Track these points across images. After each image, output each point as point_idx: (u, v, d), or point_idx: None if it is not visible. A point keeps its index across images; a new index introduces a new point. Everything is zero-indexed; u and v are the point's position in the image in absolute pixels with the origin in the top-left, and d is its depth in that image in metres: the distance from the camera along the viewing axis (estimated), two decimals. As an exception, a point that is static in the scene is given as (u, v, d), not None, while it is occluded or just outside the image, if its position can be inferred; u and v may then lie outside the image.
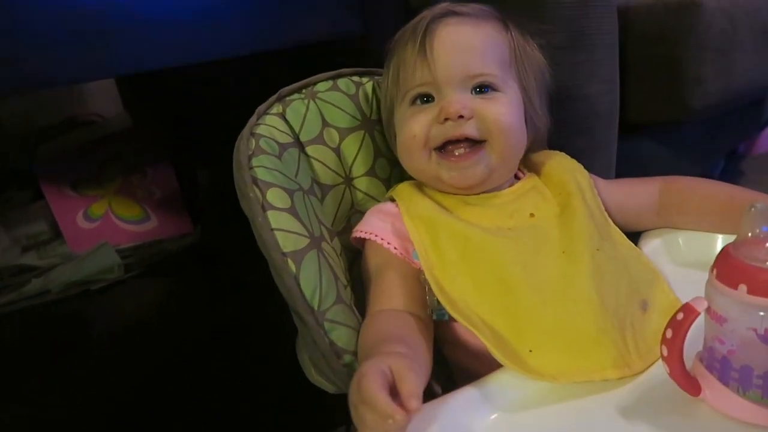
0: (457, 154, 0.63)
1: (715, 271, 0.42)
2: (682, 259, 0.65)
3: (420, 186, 0.68)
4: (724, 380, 0.43)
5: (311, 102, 0.70)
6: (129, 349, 1.26)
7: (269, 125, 0.65)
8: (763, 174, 1.77)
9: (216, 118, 1.30)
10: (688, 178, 0.70)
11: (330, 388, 0.61)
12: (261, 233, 0.57)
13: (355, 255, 0.69)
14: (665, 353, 0.43)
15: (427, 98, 0.65)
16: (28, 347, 1.35)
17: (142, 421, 1.04)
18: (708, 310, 0.43)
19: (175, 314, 1.41)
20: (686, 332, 0.42)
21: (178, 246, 1.70)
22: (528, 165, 0.72)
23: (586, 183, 0.68)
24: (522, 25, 0.70)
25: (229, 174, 0.62)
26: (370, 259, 0.64)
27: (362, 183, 0.73)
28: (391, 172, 0.75)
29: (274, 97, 0.68)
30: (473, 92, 0.64)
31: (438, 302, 0.57)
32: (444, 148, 0.64)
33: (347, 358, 0.56)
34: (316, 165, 0.69)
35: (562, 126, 0.75)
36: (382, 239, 0.63)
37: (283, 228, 0.58)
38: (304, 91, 0.71)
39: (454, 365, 0.63)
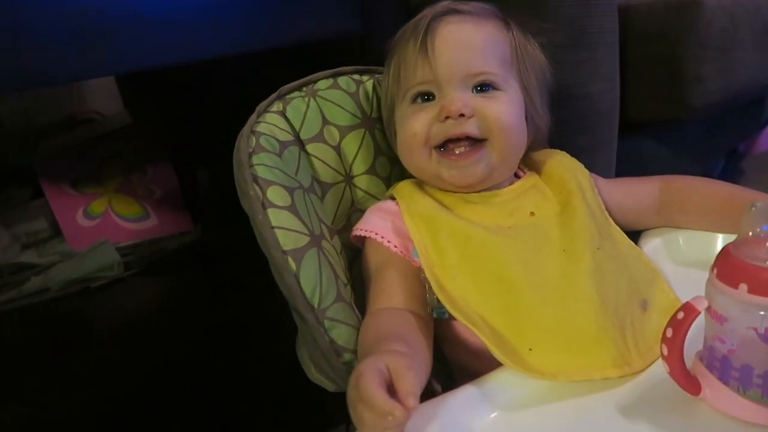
0: (457, 152, 0.63)
1: (715, 271, 0.42)
2: (683, 258, 0.65)
3: (420, 184, 0.68)
4: (724, 379, 0.43)
5: (312, 100, 0.70)
6: (129, 347, 1.26)
7: (270, 123, 0.65)
8: (763, 173, 1.77)
9: (216, 116, 1.30)
10: (688, 177, 0.70)
11: (330, 387, 0.61)
12: (261, 231, 0.57)
13: (355, 253, 0.69)
14: (665, 352, 0.43)
15: (427, 96, 0.65)
16: (27, 345, 1.35)
17: (142, 418, 1.04)
18: (708, 309, 0.42)
19: (175, 312, 1.41)
20: (686, 331, 0.42)
21: (178, 244, 1.70)
22: (528, 164, 0.72)
23: (587, 182, 0.68)
24: (523, 24, 0.70)
25: (230, 172, 0.62)
26: (370, 257, 0.64)
27: (362, 181, 0.73)
28: (392, 170, 0.75)
29: (274, 95, 0.68)
30: (474, 91, 0.63)
31: (438, 301, 0.57)
32: (444, 146, 0.64)
33: (347, 356, 0.56)
34: (317, 163, 0.69)
35: (563, 124, 0.75)
36: (382, 237, 0.63)
37: (284, 226, 0.58)
38: (304, 89, 0.71)
39: (454, 364, 0.63)
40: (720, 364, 0.43)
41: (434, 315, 0.60)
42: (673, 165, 1.24)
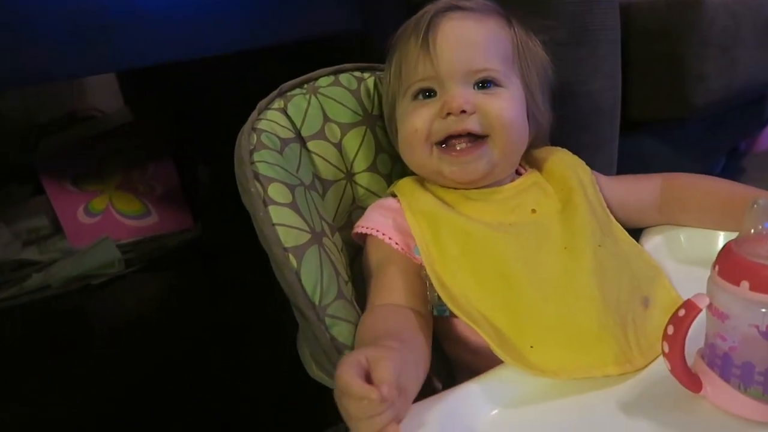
0: (458, 148, 0.63)
1: (717, 268, 0.42)
2: (684, 255, 0.65)
3: (421, 181, 0.67)
4: (725, 377, 0.43)
5: (312, 97, 0.70)
6: (129, 344, 1.26)
7: (270, 120, 0.65)
8: (764, 171, 1.77)
9: (217, 114, 1.30)
10: (690, 174, 0.70)
11: (331, 384, 0.61)
12: (262, 228, 0.57)
13: (356, 251, 0.69)
14: (666, 350, 0.43)
15: (429, 93, 0.65)
16: (28, 342, 1.35)
17: (142, 415, 1.04)
18: (710, 306, 0.42)
19: (176, 309, 1.41)
20: (688, 329, 0.42)
21: (179, 241, 1.70)
22: (530, 161, 0.72)
23: (588, 179, 0.68)
24: (525, 22, 0.69)
25: (230, 169, 0.62)
26: (371, 254, 0.64)
27: (363, 179, 0.72)
28: (393, 167, 0.75)
29: (275, 92, 0.68)
30: (476, 87, 0.63)
31: (438, 298, 0.57)
32: (446, 142, 0.64)
33: (348, 353, 0.56)
34: (318, 160, 0.69)
35: (564, 122, 0.75)
36: (383, 234, 0.63)
37: (285, 223, 0.58)
38: (305, 86, 0.71)
39: (454, 361, 0.63)
40: (721, 362, 0.43)
41: (435, 312, 0.60)
42: (674, 163, 1.24)
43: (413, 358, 0.48)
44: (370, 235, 0.64)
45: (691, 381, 0.44)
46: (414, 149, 0.65)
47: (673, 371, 0.44)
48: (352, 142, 0.72)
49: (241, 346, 1.19)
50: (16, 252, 1.64)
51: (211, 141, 1.67)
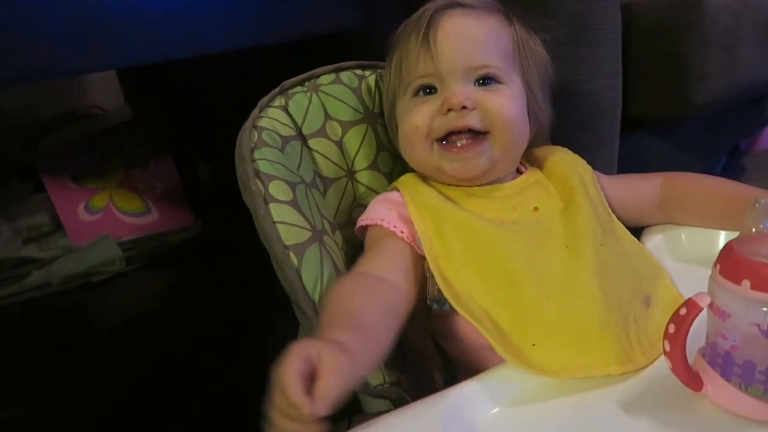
0: (459, 145, 0.63)
1: (718, 267, 0.42)
2: (685, 254, 0.65)
3: (423, 177, 0.67)
4: (726, 376, 0.43)
5: (314, 95, 0.70)
6: (130, 342, 1.26)
7: (272, 118, 0.65)
8: (765, 170, 1.77)
9: (217, 111, 1.30)
10: (690, 174, 0.70)
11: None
12: (263, 226, 0.57)
13: (357, 249, 0.69)
14: (668, 348, 0.43)
15: (429, 90, 0.65)
16: (29, 339, 1.35)
17: (142, 413, 1.04)
18: (711, 305, 0.42)
19: (176, 307, 1.41)
20: (689, 328, 0.42)
21: (179, 239, 1.70)
22: (530, 160, 0.72)
23: (590, 178, 0.68)
24: (525, 20, 0.69)
25: (231, 167, 0.62)
26: (371, 236, 0.63)
27: (364, 176, 0.72)
28: (394, 165, 0.75)
29: (276, 89, 0.68)
30: (476, 84, 0.63)
31: (439, 292, 0.57)
32: (446, 139, 0.63)
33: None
34: (319, 158, 0.69)
35: (565, 121, 0.75)
36: (388, 224, 0.62)
37: (285, 221, 0.58)
38: (306, 83, 0.71)
39: (453, 360, 0.63)
40: (722, 361, 0.43)
41: (434, 307, 0.59)
42: (674, 162, 1.24)
43: (366, 353, 0.46)
44: (374, 226, 0.63)
45: (692, 380, 0.44)
46: (415, 146, 0.65)
47: (674, 370, 0.44)
48: (353, 140, 0.72)
49: (242, 343, 1.19)
50: (16, 249, 1.64)
51: (211, 139, 1.67)
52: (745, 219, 0.42)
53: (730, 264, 0.41)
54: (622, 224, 0.65)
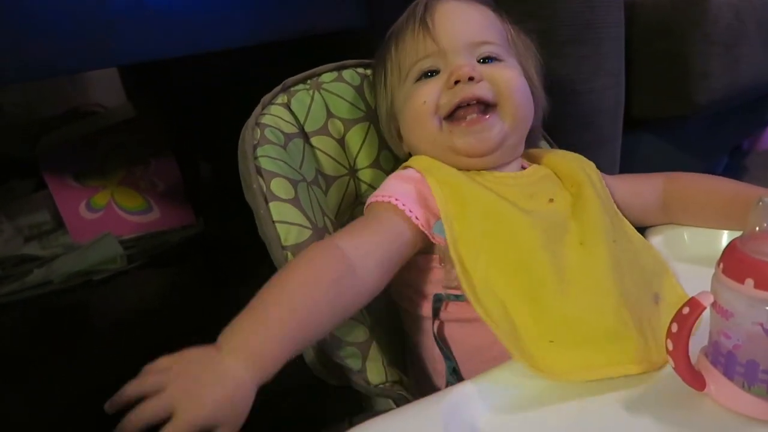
0: (468, 118, 0.61)
1: (721, 266, 0.42)
2: (688, 253, 0.65)
3: (437, 160, 0.63)
4: (729, 375, 0.43)
5: (316, 93, 0.70)
6: (131, 340, 1.26)
7: (274, 115, 0.65)
8: (767, 170, 1.77)
9: (219, 110, 1.30)
10: (692, 174, 0.70)
11: (332, 381, 0.61)
12: (263, 226, 0.57)
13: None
14: (670, 348, 0.43)
15: (431, 73, 0.63)
16: (30, 337, 1.35)
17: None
18: (714, 304, 0.42)
19: (178, 305, 1.41)
20: (692, 327, 0.41)
21: (181, 237, 1.70)
22: (531, 160, 0.71)
23: (596, 175, 0.67)
24: (525, 21, 0.70)
25: (232, 165, 0.62)
26: (374, 209, 0.59)
27: (366, 174, 0.72)
28: (395, 164, 0.75)
29: (279, 87, 0.68)
30: (479, 62, 0.63)
31: (457, 280, 0.54)
32: (454, 116, 0.62)
33: (348, 350, 0.56)
34: (321, 156, 0.68)
35: (567, 120, 0.75)
36: (403, 205, 0.57)
37: (286, 220, 0.57)
38: (308, 81, 0.71)
39: (459, 364, 0.60)
40: (725, 360, 0.43)
41: (449, 298, 0.57)
42: (676, 161, 1.24)
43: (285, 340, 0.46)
44: (385, 203, 0.58)
45: (695, 379, 0.44)
46: (423, 124, 0.63)
47: (676, 369, 0.44)
48: (355, 137, 0.72)
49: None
50: (17, 247, 1.64)
51: (213, 137, 1.67)
52: (749, 217, 0.42)
53: (733, 263, 0.41)
54: (628, 221, 0.65)
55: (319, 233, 0.59)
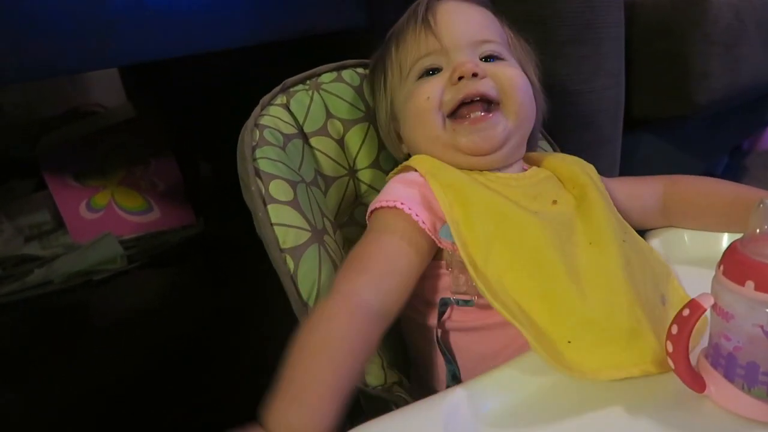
0: (472, 116, 0.61)
1: (722, 268, 0.42)
2: (688, 255, 0.65)
3: (438, 160, 0.62)
4: (729, 377, 0.43)
5: (315, 93, 0.70)
6: (131, 340, 1.26)
7: (273, 116, 0.65)
8: (767, 170, 1.77)
9: (219, 110, 1.29)
10: (692, 177, 0.69)
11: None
12: (262, 229, 0.57)
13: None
14: (670, 350, 0.43)
15: (434, 71, 0.63)
16: (30, 337, 1.35)
17: (144, 410, 1.04)
18: (714, 306, 0.42)
19: (178, 305, 1.41)
20: (692, 329, 0.41)
21: (181, 237, 1.70)
22: (531, 164, 0.70)
23: (597, 176, 0.66)
24: (525, 21, 0.70)
25: (232, 165, 0.62)
26: (380, 218, 0.58)
27: (366, 175, 0.72)
28: (395, 164, 0.74)
29: (278, 88, 0.68)
30: (482, 60, 0.63)
31: (466, 284, 0.54)
32: (457, 113, 0.61)
33: None
34: (320, 156, 0.68)
35: (567, 120, 0.75)
36: (409, 209, 0.56)
37: (284, 222, 0.57)
38: (308, 82, 0.71)
39: (462, 368, 0.59)
40: (725, 362, 0.43)
41: (458, 303, 0.56)
42: (676, 162, 1.24)
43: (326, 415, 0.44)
44: (389, 209, 0.57)
45: (695, 381, 0.44)
46: (427, 121, 0.62)
47: (676, 371, 0.43)
48: (355, 138, 0.72)
49: (244, 341, 1.19)
50: (18, 247, 1.64)
51: (212, 137, 1.67)
52: (750, 219, 0.42)
53: (734, 265, 0.41)
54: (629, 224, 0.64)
55: (318, 235, 0.59)
